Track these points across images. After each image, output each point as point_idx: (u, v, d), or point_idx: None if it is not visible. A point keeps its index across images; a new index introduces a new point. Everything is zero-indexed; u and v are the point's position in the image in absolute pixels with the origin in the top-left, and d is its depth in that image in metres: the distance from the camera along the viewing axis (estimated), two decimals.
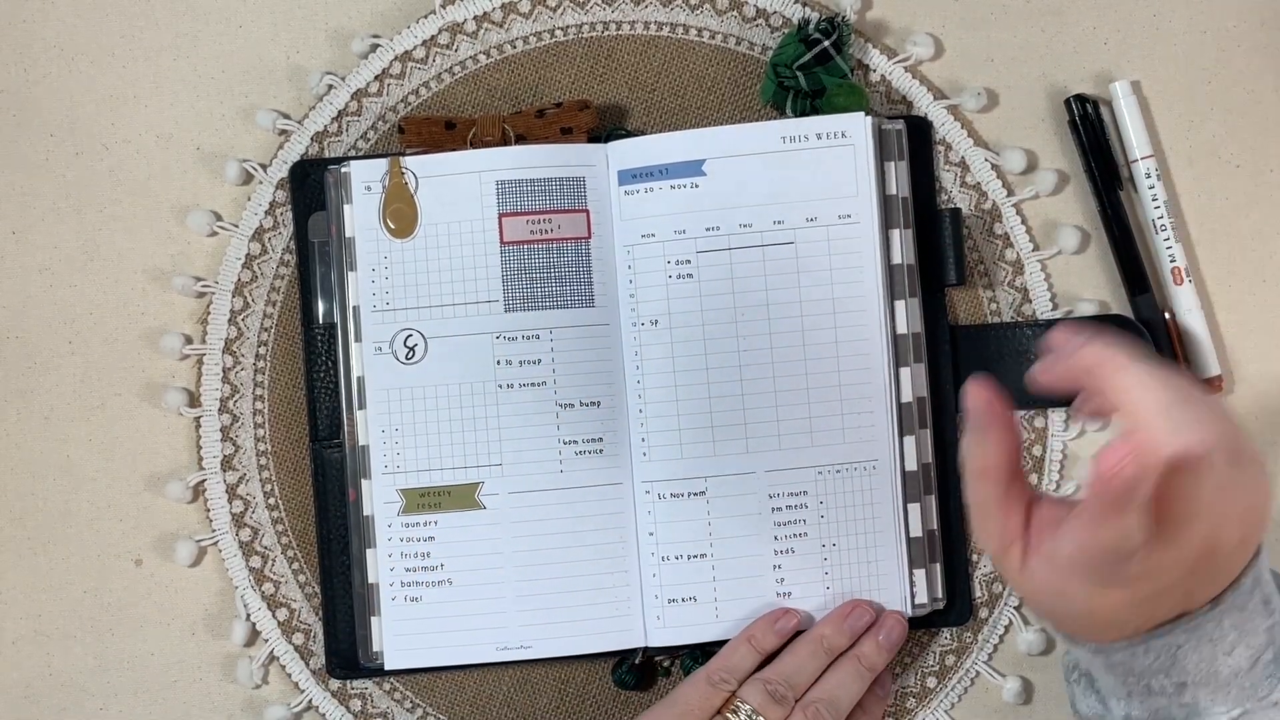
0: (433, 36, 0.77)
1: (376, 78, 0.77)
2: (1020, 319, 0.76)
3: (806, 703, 0.69)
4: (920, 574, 0.73)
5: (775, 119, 0.76)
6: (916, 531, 0.73)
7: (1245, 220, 0.77)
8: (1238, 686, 0.58)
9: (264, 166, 0.77)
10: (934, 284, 0.75)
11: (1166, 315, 0.75)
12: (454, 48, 0.77)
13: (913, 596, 0.73)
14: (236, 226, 0.77)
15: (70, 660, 0.76)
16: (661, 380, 0.73)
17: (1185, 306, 0.75)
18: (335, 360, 0.74)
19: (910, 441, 0.73)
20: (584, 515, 0.73)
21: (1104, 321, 0.74)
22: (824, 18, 0.75)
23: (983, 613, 0.76)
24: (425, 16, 0.77)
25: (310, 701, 0.76)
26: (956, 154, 0.77)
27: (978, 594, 0.76)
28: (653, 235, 0.73)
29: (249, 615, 0.76)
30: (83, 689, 0.76)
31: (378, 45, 0.77)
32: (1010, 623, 0.76)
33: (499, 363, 0.73)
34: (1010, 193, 0.77)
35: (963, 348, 0.75)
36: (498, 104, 0.77)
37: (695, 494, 0.73)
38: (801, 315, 0.73)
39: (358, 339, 0.73)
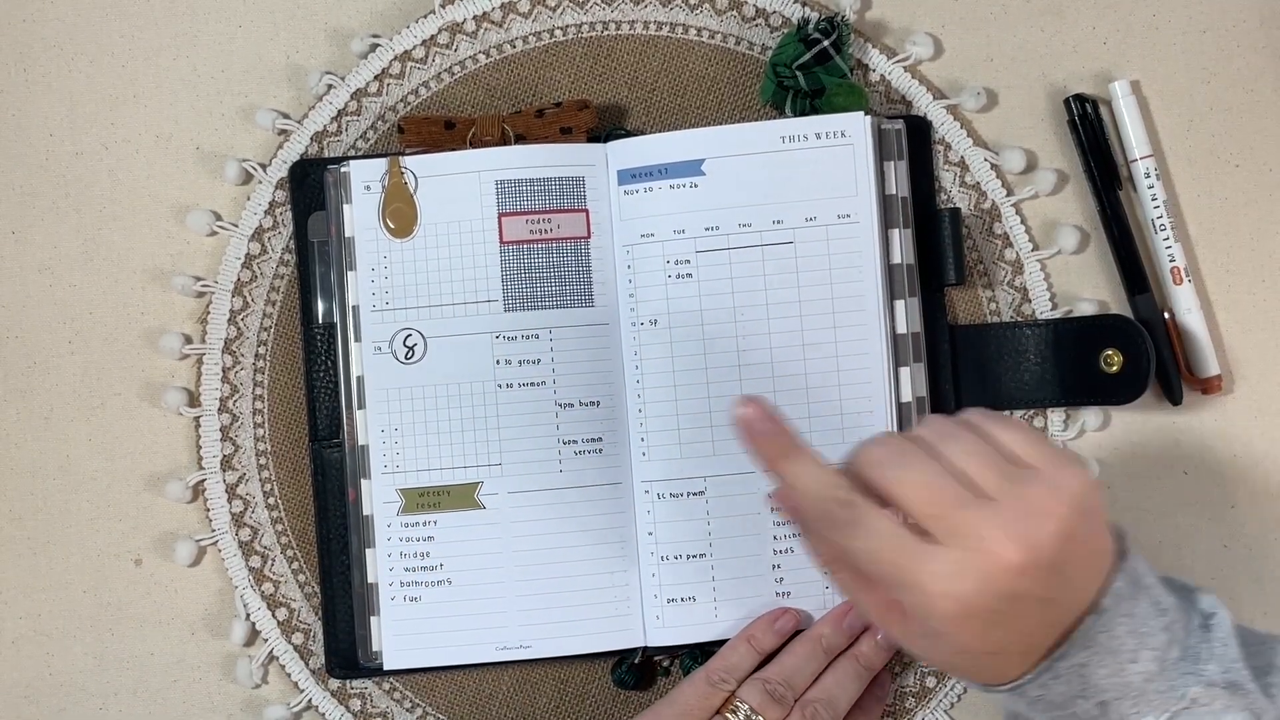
0: (432, 36, 0.77)
1: (376, 77, 0.77)
2: (1020, 319, 0.76)
3: (804, 703, 0.69)
4: None
5: (775, 119, 0.76)
6: None
7: (1245, 220, 0.77)
8: (1155, 692, 0.59)
9: (264, 166, 0.77)
10: (933, 284, 0.75)
11: (1166, 315, 0.75)
12: (453, 47, 0.77)
13: None
14: (236, 226, 0.77)
15: (70, 660, 0.76)
16: (661, 380, 0.73)
17: (1185, 306, 0.75)
18: (335, 360, 0.74)
19: None
20: (583, 515, 0.73)
21: (1104, 321, 0.74)
22: (824, 18, 0.75)
23: None
24: (425, 16, 0.77)
25: (310, 701, 0.76)
26: (956, 154, 0.77)
27: None
28: (652, 235, 0.73)
29: (249, 615, 0.76)
30: (83, 689, 0.76)
31: (377, 45, 0.77)
32: None
33: (498, 362, 0.73)
34: (1010, 192, 0.77)
35: (962, 348, 0.75)
36: (497, 104, 0.77)
37: (694, 494, 0.73)
38: (801, 315, 0.73)
39: (357, 339, 0.73)
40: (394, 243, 0.73)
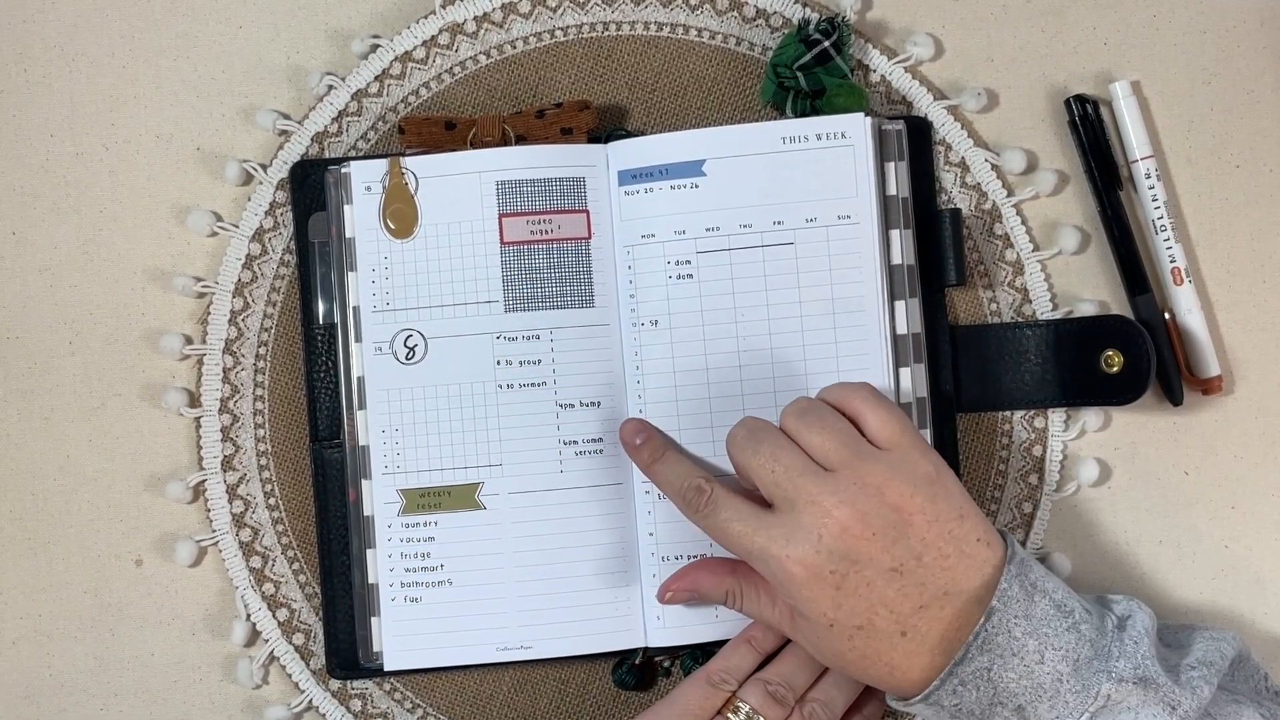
0: (433, 37, 0.77)
1: (376, 78, 0.77)
2: (1020, 319, 0.76)
3: (804, 703, 0.69)
4: None
5: (775, 119, 0.76)
6: None
7: (1245, 220, 0.77)
8: (1069, 692, 0.62)
9: (264, 167, 0.77)
10: (934, 284, 0.75)
11: (1166, 315, 0.75)
12: (454, 48, 0.77)
13: None
14: (236, 227, 0.77)
15: (70, 660, 0.76)
16: (661, 380, 0.73)
17: (1185, 307, 0.75)
18: (335, 360, 0.74)
19: None
20: (584, 515, 0.73)
21: (1104, 322, 0.74)
22: (824, 18, 0.75)
23: None
24: (425, 17, 0.77)
25: (310, 702, 0.76)
26: (956, 154, 0.77)
27: None
28: (653, 235, 0.73)
29: (249, 615, 0.76)
30: (83, 689, 0.76)
31: (378, 45, 0.77)
32: None
33: (499, 363, 0.73)
34: (1010, 193, 0.77)
35: (962, 348, 0.75)
36: (498, 104, 0.77)
37: None
38: (801, 315, 0.73)
39: (358, 339, 0.73)
40: (394, 243, 0.73)
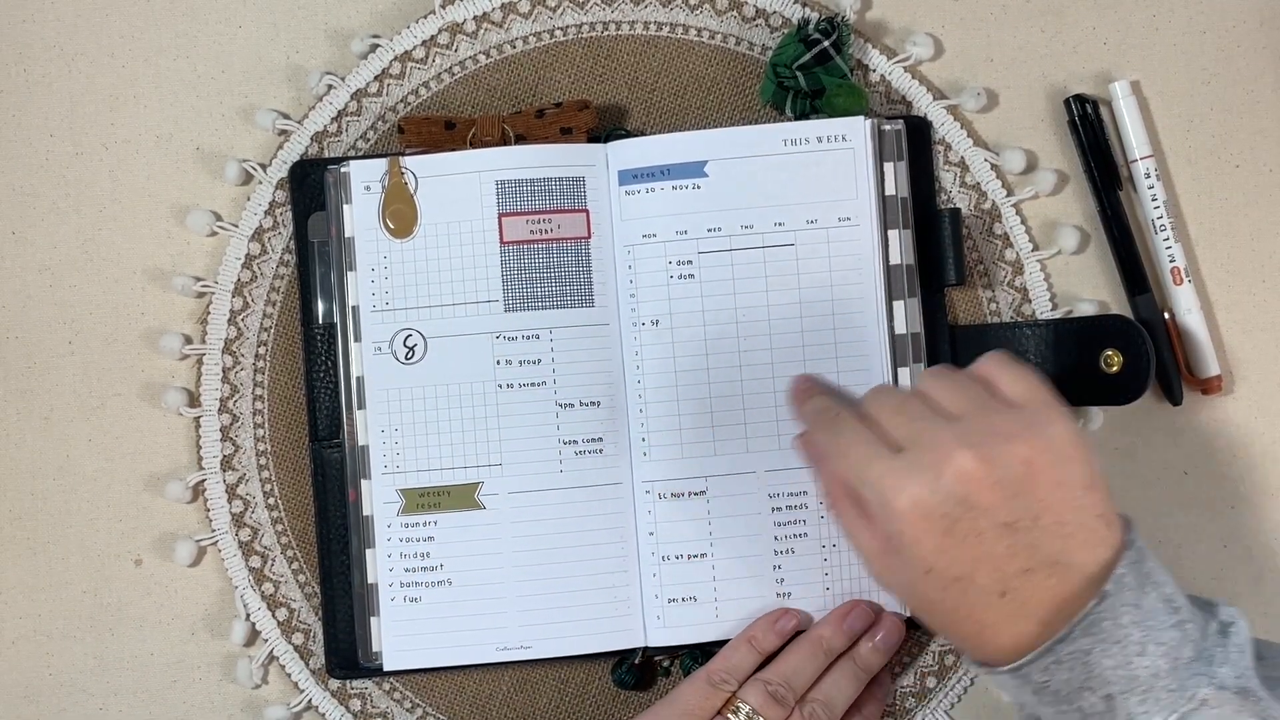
0: (432, 36, 0.77)
1: (376, 78, 0.77)
2: (1020, 319, 0.76)
3: (803, 703, 0.69)
4: None
5: (775, 119, 0.76)
6: None
7: (1245, 220, 0.77)
8: (1164, 689, 0.58)
9: (264, 166, 0.77)
10: (933, 284, 0.75)
11: (1166, 315, 0.75)
12: (454, 48, 0.77)
13: None
14: (236, 226, 0.77)
15: (70, 660, 0.76)
16: (662, 380, 0.73)
17: (1185, 306, 0.75)
18: (335, 360, 0.74)
19: None
20: (584, 515, 0.73)
21: (1104, 322, 0.74)
22: (824, 18, 0.75)
23: None
24: (425, 16, 0.77)
25: (310, 701, 0.76)
26: (956, 154, 0.77)
27: None
28: (654, 235, 0.73)
29: (249, 615, 0.76)
30: (83, 689, 0.76)
31: (377, 45, 0.77)
32: None
33: (499, 362, 0.73)
34: (1010, 193, 0.77)
35: (962, 348, 0.75)
36: (497, 104, 0.77)
37: (695, 494, 0.73)
38: (801, 316, 0.73)
39: (357, 339, 0.73)
40: (394, 243, 0.73)
